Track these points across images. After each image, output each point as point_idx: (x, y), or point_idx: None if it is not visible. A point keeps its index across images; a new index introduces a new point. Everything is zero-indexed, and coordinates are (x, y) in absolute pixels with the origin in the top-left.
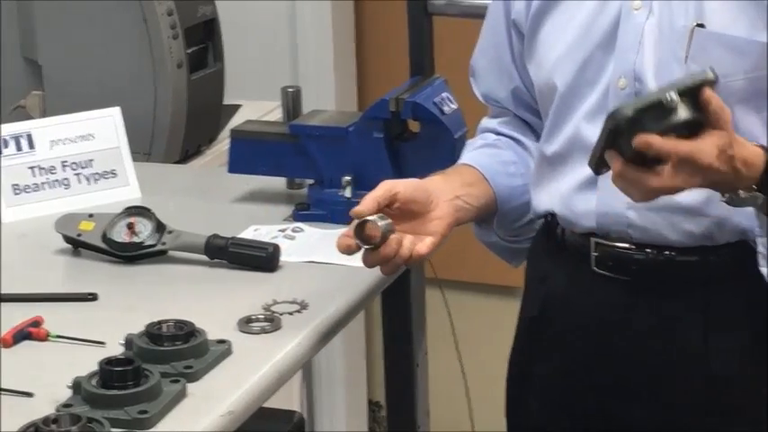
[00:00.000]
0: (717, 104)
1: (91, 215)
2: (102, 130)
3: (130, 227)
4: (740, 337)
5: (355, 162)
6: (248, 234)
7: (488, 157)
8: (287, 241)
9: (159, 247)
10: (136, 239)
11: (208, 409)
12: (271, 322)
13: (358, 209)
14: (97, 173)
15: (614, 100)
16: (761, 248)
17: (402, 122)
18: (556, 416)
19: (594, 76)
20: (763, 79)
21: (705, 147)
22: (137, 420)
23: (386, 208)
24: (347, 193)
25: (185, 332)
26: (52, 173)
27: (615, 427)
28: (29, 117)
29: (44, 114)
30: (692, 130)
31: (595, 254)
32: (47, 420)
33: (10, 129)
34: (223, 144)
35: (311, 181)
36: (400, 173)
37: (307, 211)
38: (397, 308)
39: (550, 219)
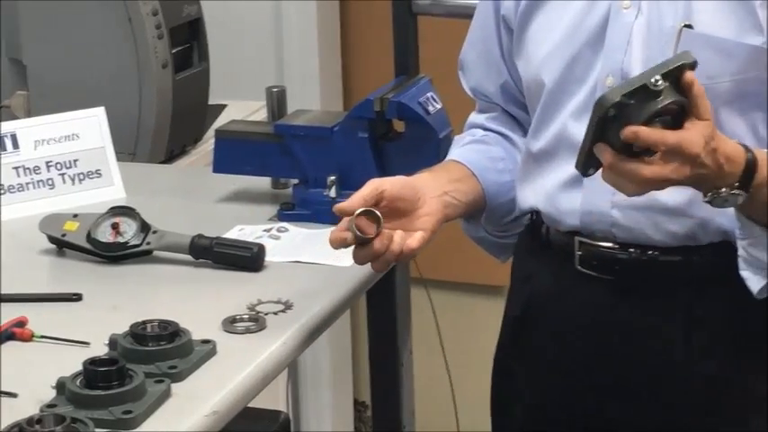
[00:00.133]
0: (699, 87)
1: (75, 215)
2: (86, 130)
3: (115, 227)
4: (723, 338)
5: (340, 162)
6: (233, 234)
7: (477, 153)
8: (272, 241)
9: (144, 247)
10: (120, 239)
11: (192, 409)
12: (255, 322)
13: (342, 206)
14: (82, 173)
15: None
16: (741, 252)
17: (387, 122)
18: (539, 415)
19: (582, 74)
20: (749, 82)
21: (692, 136)
22: (121, 421)
23: (373, 206)
24: (332, 192)
25: (170, 332)
26: (37, 173)
27: (599, 425)
28: (13, 117)
29: (29, 114)
30: (676, 116)
31: (579, 253)
32: (31, 421)
33: None
34: (208, 144)
35: (296, 181)
36: (385, 172)
37: (292, 211)
38: (382, 308)
39: (535, 217)
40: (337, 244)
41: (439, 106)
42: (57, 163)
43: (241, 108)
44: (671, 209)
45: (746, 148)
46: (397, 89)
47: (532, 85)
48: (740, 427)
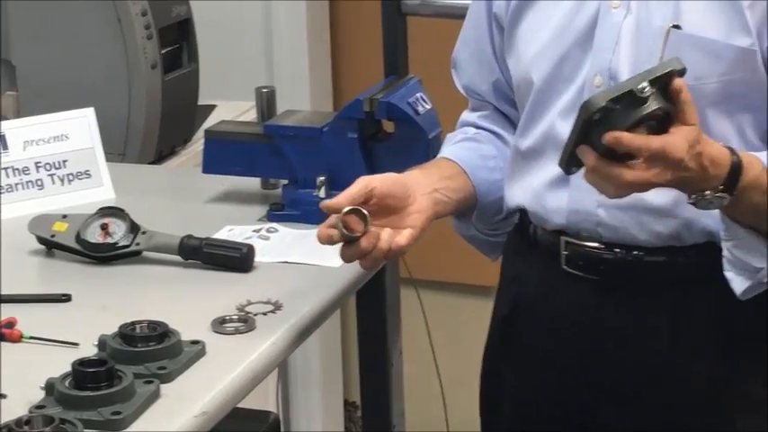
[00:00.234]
0: (686, 95)
1: (65, 216)
2: (76, 130)
3: (104, 227)
4: (707, 338)
5: (329, 162)
6: (223, 234)
7: (468, 150)
8: (261, 242)
9: (133, 248)
10: (110, 240)
11: (181, 409)
12: (245, 323)
13: (329, 203)
14: (71, 173)
15: None
16: (726, 253)
17: (376, 122)
18: (526, 414)
19: (571, 73)
20: (736, 83)
21: (676, 141)
22: (110, 421)
23: (363, 204)
24: (321, 193)
25: (159, 333)
26: (26, 174)
27: (587, 424)
28: (3, 118)
29: (18, 115)
30: (661, 121)
31: (565, 253)
32: (19, 422)
33: None
34: (198, 145)
35: (285, 181)
36: (374, 173)
37: (281, 212)
38: (371, 308)
39: (524, 217)
40: (324, 240)
41: (428, 107)
42: (46, 164)
43: (231, 108)
44: (656, 209)
45: (732, 151)
46: (386, 89)
47: (522, 84)
48: (729, 427)
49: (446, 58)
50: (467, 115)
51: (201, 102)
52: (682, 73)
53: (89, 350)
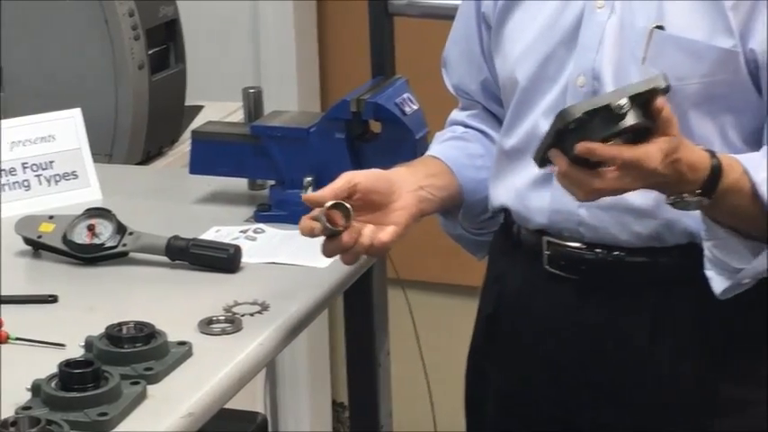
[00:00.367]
0: (668, 112)
1: (51, 217)
2: (62, 131)
3: (91, 228)
4: (690, 338)
5: (317, 163)
6: (210, 235)
7: (455, 149)
8: (248, 242)
9: (120, 249)
10: (96, 241)
11: (168, 410)
12: (232, 323)
13: (312, 196)
14: (58, 174)
15: (572, 98)
16: (706, 252)
17: (363, 123)
18: (510, 415)
19: (555, 72)
20: (718, 84)
21: (650, 151)
22: (97, 423)
23: (346, 199)
24: (308, 193)
25: (146, 334)
26: (12, 174)
27: (567, 425)
28: None
29: (4, 116)
30: (638, 133)
31: (548, 253)
32: (5, 423)
33: None
34: (185, 145)
35: (273, 182)
36: None
37: (268, 212)
38: (359, 308)
39: (507, 216)
40: (306, 232)
41: (415, 107)
42: (33, 164)
43: (218, 109)
44: (637, 209)
45: (712, 155)
46: (373, 90)
47: (507, 83)
48: (712, 428)
49: (433, 59)
50: (456, 114)
51: (189, 102)
52: (665, 91)
53: (76, 351)
